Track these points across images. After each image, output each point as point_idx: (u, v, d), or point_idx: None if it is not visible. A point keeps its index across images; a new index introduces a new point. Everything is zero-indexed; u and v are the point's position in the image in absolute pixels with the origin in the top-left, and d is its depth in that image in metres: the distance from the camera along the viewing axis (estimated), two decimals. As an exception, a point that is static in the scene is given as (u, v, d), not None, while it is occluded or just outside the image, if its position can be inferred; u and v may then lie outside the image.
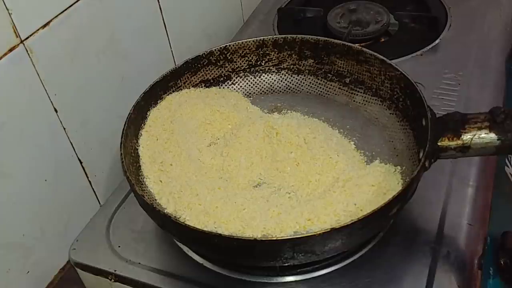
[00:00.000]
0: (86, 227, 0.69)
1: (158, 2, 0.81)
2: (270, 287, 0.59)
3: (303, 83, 0.78)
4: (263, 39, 0.77)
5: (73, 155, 0.70)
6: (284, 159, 0.65)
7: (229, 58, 0.77)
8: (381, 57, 0.70)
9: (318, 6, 1.01)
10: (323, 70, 0.77)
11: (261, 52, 0.78)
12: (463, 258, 0.59)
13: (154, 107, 0.71)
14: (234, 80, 0.79)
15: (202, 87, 0.77)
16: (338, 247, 0.53)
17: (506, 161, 0.86)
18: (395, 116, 0.69)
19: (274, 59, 0.78)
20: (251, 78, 0.79)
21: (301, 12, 1.01)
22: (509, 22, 0.95)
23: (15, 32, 0.58)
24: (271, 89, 0.79)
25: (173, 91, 0.74)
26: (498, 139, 0.55)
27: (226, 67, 0.78)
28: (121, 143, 0.62)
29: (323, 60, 0.76)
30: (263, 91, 0.79)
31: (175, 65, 0.74)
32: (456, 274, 0.58)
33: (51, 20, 0.62)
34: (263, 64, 0.79)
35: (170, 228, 0.57)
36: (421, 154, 0.59)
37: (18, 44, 0.59)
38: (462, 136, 0.56)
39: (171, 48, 0.86)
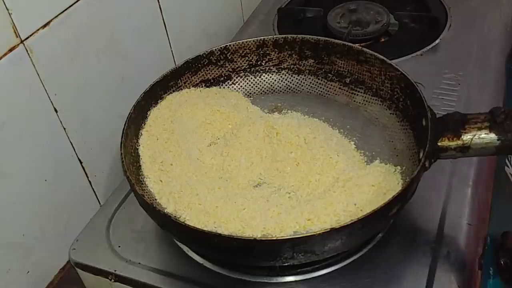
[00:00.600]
0: (86, 227, 0.69)
1: (158, 2, 0.81)
2: (270, 287, 0.59)
3: (304, 83, 0.78)
4: (264, 39, 0.77)
5: (73, 155, 0.70)
6: (284, 159, 0.65)
7: (229, 58, 0.77)
8: (381, 57, 0.70)
9: (318, 6, 1.01)
10: (323, 70, 0.77)
11: (261, 52, 0.78)
12: (463, 258, 0.59)
13: (154, 106, 0.71)
14: (234, 80, 0.79)
15: (202, 87, 0.77)
16: (338, 247, 0.53)
17: (506, 161, 0.86)
18: (395, 116, 0.69)
19: (275, 59, 0.78)
20: (251, 78, 0.79)
21: (301, 12, 1.01)
22: (509, 22, 0.95)
23: (15, 32, 0.58)
24: (272, 89, 0.79)
25: (174, 91, 0.74)
26: (498, 139, 0.55)
27: (227, 67, 0.78)
28: (121, 143, 0.62)
29: (323, 60, 0.76)
30: (263, 91, 0.79)
31: (176, 65, 0.74)
32: (456, 274, 0.58)
33: (51, 20, 0.62)
34: (263, 64, 0.79)
35: (170, 228, 0.57)
36: (421, 154, 0.59)
37: (18, 44, 0.59)
38: (462, 136, 0.56)
39: (171, 48, 0.86)
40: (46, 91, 0.63)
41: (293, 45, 0.77)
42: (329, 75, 0.77)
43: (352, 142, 0.69)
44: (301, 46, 0.77)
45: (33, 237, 0.65)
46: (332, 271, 0.59)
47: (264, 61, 0.78)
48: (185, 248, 0.64)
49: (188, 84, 0.75)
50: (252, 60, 0.78)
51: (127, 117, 0.65)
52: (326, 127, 0.71)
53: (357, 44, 0.74)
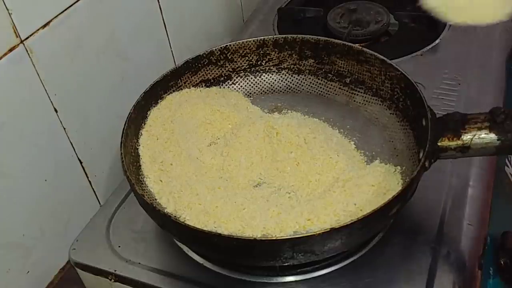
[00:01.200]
0: (86, 227, 0.69)
1: (158, 2, 0.81)
2: (270, 287, 0.59)
3: (304, 83, 0.78)
4: (264, 39, 0.77)
5: (73, 155, 0.70)
6: (284, 159, 0.65)
7: (229, 58, 0.77)
8: (381, 57, 0.70)
9: (318, 6, 1.01)
10: (323, 70, 0.77)
11: (261, 52, 0.78)
12: (463, 258, 0.59)
13: (154, 106, 0.71)
14: (234, 80, 0.79)
15: (202, 86, 0.77)
16: (337, 247, 0.53)
17: (506, 161, 0.86)
18: (395, 116, 0.69)
19: (275, 59, 0.78)
20: (251, 78, 0.79)
21: (301, 12, 1.01)
22: (509, 22, 0.94)
23: (15, 32, 0.58)
24: (272, 89, 0.79)
25: (174, 91, 0.74)
26: (498, 139, 0.55)
27: (227, 66, 0.78)
28: (121, 143, 0.62)
29: (323, 60, 0.76)
30: (263, 91, 0.79)
31: (176, 65, 0.74)
32: (456, 274, 0.58)
33: (51, 20, 0.62)
34: (263, 64, 0.79)
35: (170, 228, 0.57)
36: (421, 154, 0.59)
37: (18, 44, 0.59)
38: (462, 136, 0.56)
39: (171, 48, 0.86)
40: (46, 91, 0.63)
41: (293, 45, 0.77)
42: (329, 75, 0.77)
43: (352, 142, 0.69)
44: (301, 46, 0.77)
45: (33, 237, 0.65)
46: (332, 271, 0.59)
47: (264, 61, 0.78)
48: (185, 248, 0.64)
49: (188, 84, 0.75)
50: (252, 60, 0.78)
51: (127, 117, 0.65)
52: (326, 127, 0.71)
53: (357, 44, 0.74)
